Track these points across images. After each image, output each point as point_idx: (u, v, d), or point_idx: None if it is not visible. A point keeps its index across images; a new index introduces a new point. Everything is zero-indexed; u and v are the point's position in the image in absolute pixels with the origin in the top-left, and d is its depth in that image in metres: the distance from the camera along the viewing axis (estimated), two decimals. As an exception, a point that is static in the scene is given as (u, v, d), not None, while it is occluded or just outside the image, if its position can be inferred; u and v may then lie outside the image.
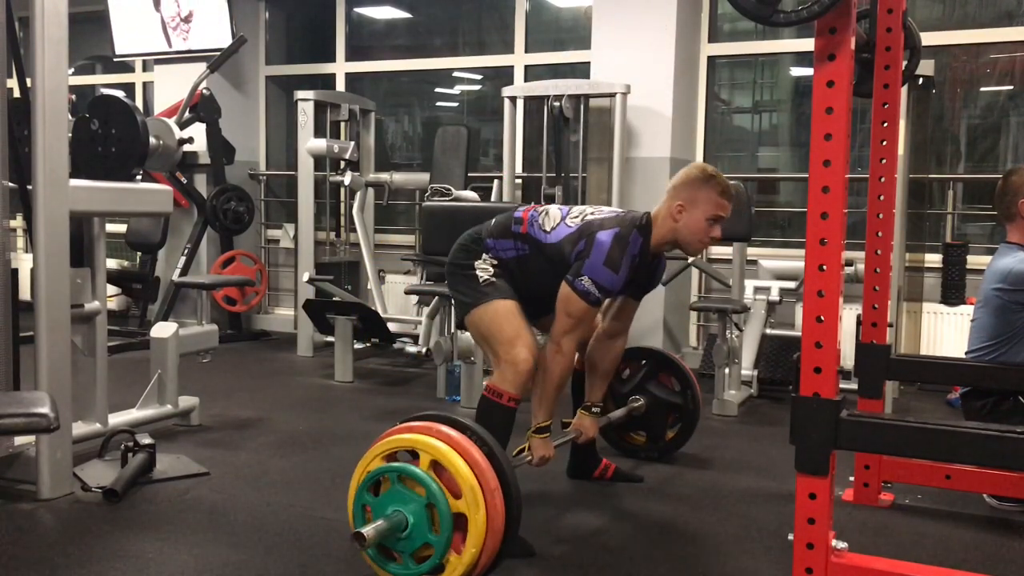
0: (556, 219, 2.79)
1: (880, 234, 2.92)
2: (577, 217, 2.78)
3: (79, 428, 3.27)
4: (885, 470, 3.01)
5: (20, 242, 7.35)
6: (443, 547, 2.11)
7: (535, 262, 2.78)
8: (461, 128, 5.63)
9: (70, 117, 3.19)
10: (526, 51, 6.06)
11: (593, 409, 3.07)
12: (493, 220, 2.90)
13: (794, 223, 5.60)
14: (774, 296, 4.91)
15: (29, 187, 2.97)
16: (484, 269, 2.81)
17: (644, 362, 3.43)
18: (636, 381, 3.40)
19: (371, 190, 6.04)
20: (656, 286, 3.02)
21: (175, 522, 2.77)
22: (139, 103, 7.39)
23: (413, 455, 2.22)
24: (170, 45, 6.52)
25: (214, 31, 6.33)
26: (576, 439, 3.06)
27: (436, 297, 4.73)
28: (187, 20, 6.44)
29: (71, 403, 3.07)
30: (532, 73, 6.04)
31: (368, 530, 2.10)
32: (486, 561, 2.14)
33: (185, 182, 6.12)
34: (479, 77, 6.64)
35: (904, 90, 3.32)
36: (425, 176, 5.63)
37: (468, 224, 2.97)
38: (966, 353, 3.11)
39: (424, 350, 5.04)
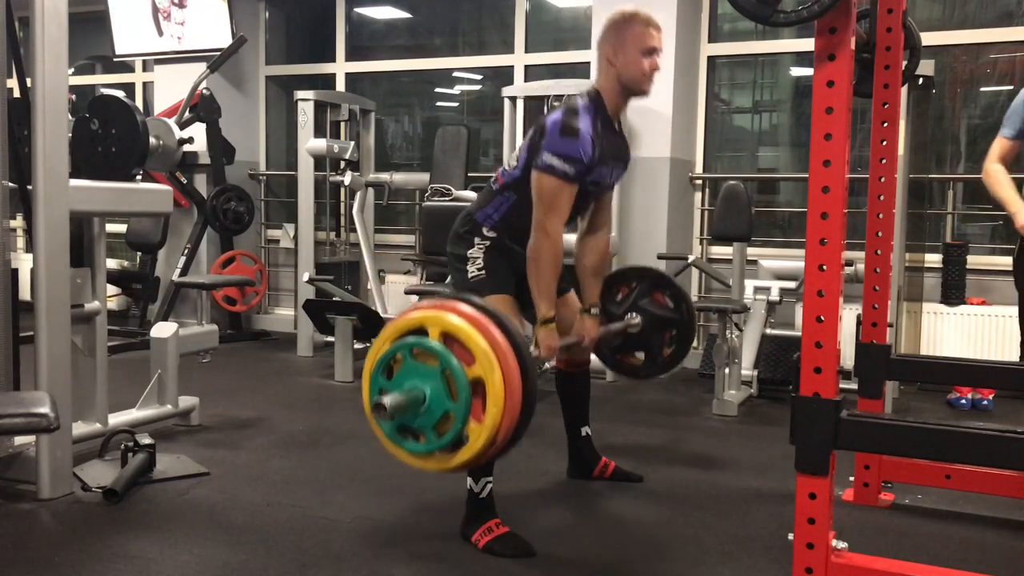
0: (516, 154, 2.84)
1: (880, 234, 2.92)
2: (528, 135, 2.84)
3: (79, 428, 3.27)
4: (885, 470, 3.01)
5: (20, 242, 7.35)
6: (463, 412, 2.08)
7: (523, 204, 2.76)
8: (461, 128, 5.63)
9: (70, 117, 3.19)
10: (526, 51, 6.07)
11: (592, 310, 3.03)
12: (476, 197, 2.94)
13: (794, 223, 5.60)
14: (774, 296, 4.91)
15: (29, 187, 2.97)
16: (474, 259, 2.82)
17: (635, 283, 3.35)
18: (631, 301, 3.32)
19: (371, 190, 6.04)
20: (628, 163, 2.98)
21: (175, 522, 2.77)
22: (139, 103, 7.39)
23: (423, 333, 2.17)
24: (160, 34, 6.49)
25: (213, 31, 6.34)
26: (580, 343, 3.02)
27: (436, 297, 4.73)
28: (181, 5, 6.40)
29: (71, 403, 3.07)
30: (532, 73, 6.04)
31: (387, 399, 2.07)
32: (509, 424, 2.11)
33: (185, 182, 6.12)
34: (479, 77, 6.64)
35: (904, 90, 3.32)
36: (425, 176, 5.64)
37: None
38: None
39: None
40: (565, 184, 2.66)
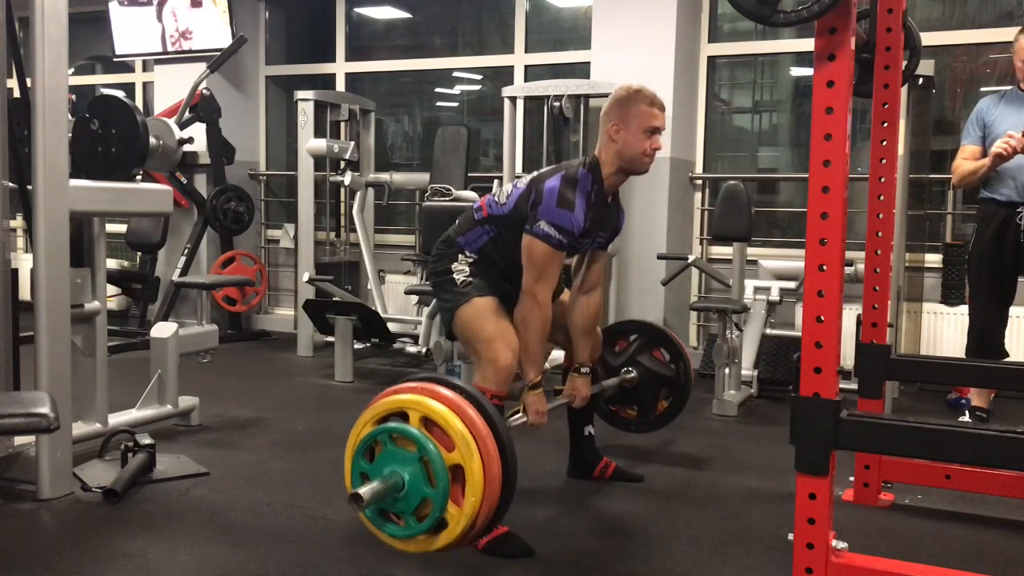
0: (508, 190, 2.86)
1: (880, 234, 2.92)
2: (525, 179, 2.86)
3: (79, 428, 3.27)
4: (885, 470, 3.01)
5: (20, 242, 7.35)
6: (441, 499, 2.10)
7: (506, 239, 2.81)
8: (461, 128, 5.63)
9: (70, 117, 3.19)
10: (526, 51, 6.06)
11: (582, 370, 3.05)
12: (458, 220, 2.96)
13: (794, 223, 5.60)
14: (774, 296, 4.91)
15: (29, 187, 2.97)
16: (460, 270, 2.85)
17: (635, 336, 3.40)
18: (628, 354, 3.37)
19: (371, 190, 6.04)
20: (620, 230, 3.05)
21: (175, 522, 2.78)
22: (139, 103, 7.39)
23: (404, 417, 2.21)
24: (165, 51, 6.55)
25: (214, 31, 6.34)
26: (572, 403, 3.05)
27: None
28: (185, 36, 6.47)
29: (71, 403, 3.07)
30: (532, 73, 6.04)
31: (364, 490, 2.09)
32: (488, 510, 2.13)
33: (185, 182, 6.12)
34: (479, 77, 6.64)
35: (904, 90, 3.33)
36: (425, 176, 5.64)
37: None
38: None
39: (424, 350, 5.04)
40: (556, 252, 2.71)
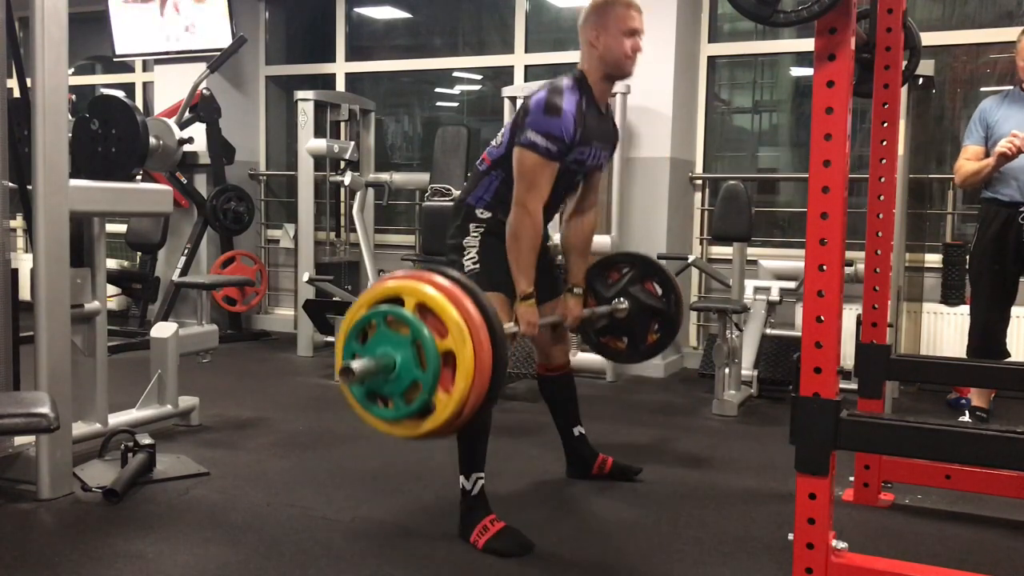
0: (502, 131, 2.86)
1: (880, 234, 2.92)
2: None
3: (79, 428, 3.27)
4: (885, 470, 3.02)
5: (20, 242, 7.35)
6: (431, 382, 2.08)
7: (512, 179, 2.77)
8: (461, 128, 5.63)
9: (70, 117, 3.19)
10: (526, 51, 6.06)
11: (575, 290, 3.05)
12: (466, 183, 2.96)
13: (794, 223, 5.60)
14: (774, 296, 4.91)
15: (29, 187, 2.97)
16: (470, 247, 2.83)
17: (627, 268, 3.36)
18: (620, 286, 3.32)
19: (371, 190, 6.04)
20: (616, 144, 3.04)
21: (175, 522, 2.78)
22: (139, 103, 7.39)
23: (399, 303, 2.18)
24: (167, 49, 6.56)
25: (214, 31, 6.35)
26: (562, 322, 3.04)
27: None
28: (188, 30, 6.48)
29: (71, 403, 3.07)
30: (532, 73, 6.04)
31: (356, 364, 2.07)
32: (475, 400, 2.11)
33: (185, 182, 6.12)
34: (479, 77, 6.64)
35: (904, 90, 3.33)
36: (425, 176, 5.64)
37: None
38: None
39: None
40: (546, 162, 2.67)
